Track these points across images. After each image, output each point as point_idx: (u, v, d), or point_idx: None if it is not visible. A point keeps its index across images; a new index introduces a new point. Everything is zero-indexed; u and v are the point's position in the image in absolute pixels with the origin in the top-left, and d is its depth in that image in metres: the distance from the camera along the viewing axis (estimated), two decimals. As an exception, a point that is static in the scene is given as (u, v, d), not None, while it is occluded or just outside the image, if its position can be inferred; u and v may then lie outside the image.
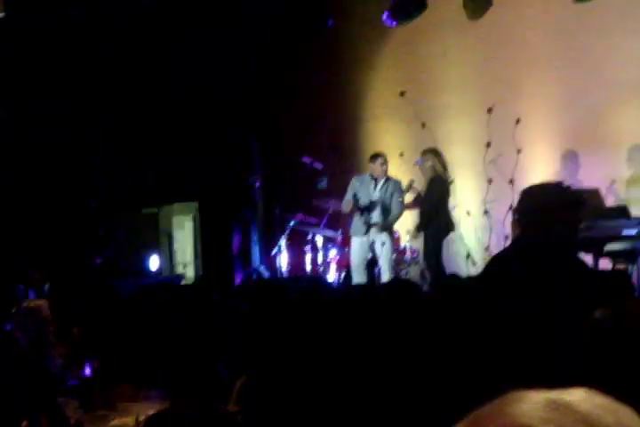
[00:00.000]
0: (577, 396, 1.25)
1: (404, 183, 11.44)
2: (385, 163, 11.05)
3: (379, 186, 10.94)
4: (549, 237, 3.62)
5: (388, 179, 11.03)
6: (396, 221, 11.19)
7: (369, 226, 10.84)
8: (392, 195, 10.93)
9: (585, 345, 3.12)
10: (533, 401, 1.24)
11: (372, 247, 10.89)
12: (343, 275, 11.73)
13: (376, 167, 10.96)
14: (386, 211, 10.88)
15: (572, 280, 3.51)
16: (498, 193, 11.88)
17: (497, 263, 3.68)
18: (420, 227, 11.17)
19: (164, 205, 13.75)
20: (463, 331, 3.44)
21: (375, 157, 11.15)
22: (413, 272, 11.65)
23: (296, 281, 10.66)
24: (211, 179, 13.50)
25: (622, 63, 11.83)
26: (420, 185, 11.46)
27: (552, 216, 3.63)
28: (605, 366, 3.07)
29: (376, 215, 10.90)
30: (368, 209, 10.85)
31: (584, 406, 1.23)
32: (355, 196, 10.92)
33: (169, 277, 12.90)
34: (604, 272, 7.67)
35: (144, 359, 5.74)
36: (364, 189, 10.93)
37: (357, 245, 10.91)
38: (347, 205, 11.04)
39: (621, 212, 10.40)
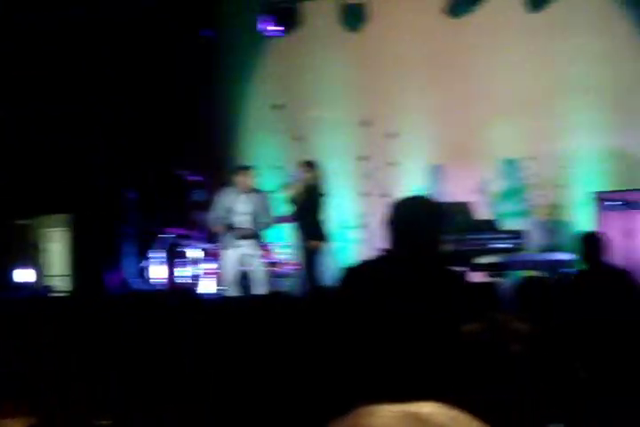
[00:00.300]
0: (431, 409, 1.27)
1: (280, 186, 11.47)
2: (252, 175, 10.96)
3: (246, 198, 10.84)
4: (414, 248, 3.67)
5: (255, 191, 10.94)
6: (265, 233, 11.14)
7: (239, 239, 10.77)
8: (260, 207, 10.85)
9: (459, 357, 3.17)
10: (389, 414, 1.25)
11: (244, 260, 10.82)
12: (219, 287, 11.67)
13: (242, 180, 10.85)
14: (255, 223, 10.81)
15: (439, 291, 3.56)
16: (372, 206, 11.99)
17: (358, 274, 3.72)
18: (299, 239, 11.18)
19: (36, 217, 13.48)
20: (329, 340, 3.47)
21: (241, 169, 11.07)
22: (289, 284, 11.65)
23: (170, 294, 10.56)
24: (85, 190, 13.29)
25: (495, 78, 12.13)
26: (296, 197, 11.46)
27: (415, 227, 3.69)
28: (477, 377, 3.12)
29: (246, 229, 10.82)
30: (237, 223, 10.77)
31: (440, 418, 1.25)
32: (223, 210, 10.83)
33: (37, 290, 12.63)
34: (473, 285, 7.80)
35: (16, 374, 5.61)
36: (231, 202, 10.83)
37: (229, 259, 10.83)
38: (214, 222, 10.93)
39: (491, 225, 10.61)
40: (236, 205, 10.80)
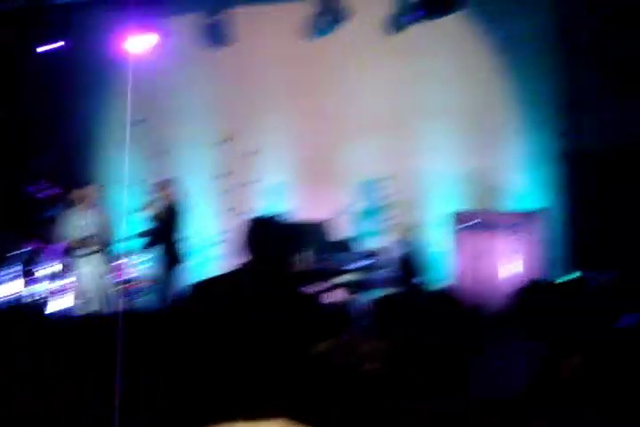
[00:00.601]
0: (277, 426, 1.26)
1: (139, 204, 11.35)
2: (93, 191, 10.80)
3: (89, 215, 10.69)
4: (265, 266, 3.68)
5: (98, 207, 10.80)
6: (117, 249, 10.99)
7: (86, 255, 10.61)
8: (103, 223, 10.71)
9: (311, 374, 3.17)
10: None
11: (95, 277, 10.66)
12: (74, 303, 11.47)
13: (84, 196, 10.70)
14: (99, 239, 10.67)
15: (290, 309, 3.57)
16: (232, 223, 11.96)
17: (206, 289, 3.71)
18: (156, 255, 11.08)
19: None
20: (181, 356, 3.44)
21: (83, 185, 10.90)
22: (147, 301, 11.53)
23: (22, 310, 10.32)
24: None
25: (354, 98, 12.27)
26: (155, 214, 11.34)
27: (267, 245, 3.70)
28: (330, 394, 3.12)
29: (93, 245, 10.67)
30: (82, 239, 10.61)
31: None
32: (70, 226, 10.67)
33: None
34: (328, 304, 7.84)
35: None
36: (75, 219, 10.69)
37: (82, 276, 10.67)
38: (62, 239, 10.76)
39: (350, 244, 10.70)
40: (80, 222, 10.65)
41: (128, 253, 11.85)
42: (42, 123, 13.42)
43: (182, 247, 11.05)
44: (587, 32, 11.41)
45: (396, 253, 11.35)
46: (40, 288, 11.92)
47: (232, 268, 3.83)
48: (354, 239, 10.97)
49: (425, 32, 11.98)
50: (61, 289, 11.73)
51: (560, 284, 10.01)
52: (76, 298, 11.14)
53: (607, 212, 10.74)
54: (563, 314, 5.43)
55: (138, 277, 11.77)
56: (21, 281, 12.19)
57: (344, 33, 12.16)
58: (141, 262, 11.91)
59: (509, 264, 10.56)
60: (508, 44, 11.78)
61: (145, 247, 11.57)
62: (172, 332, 4.16)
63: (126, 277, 11.51)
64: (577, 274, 10.26)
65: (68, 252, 10.84)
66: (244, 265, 3.70)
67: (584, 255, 10.66)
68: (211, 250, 12.56)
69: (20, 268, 12.19)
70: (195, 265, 11.95)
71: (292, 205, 12.16)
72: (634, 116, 10.95)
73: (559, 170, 11.44)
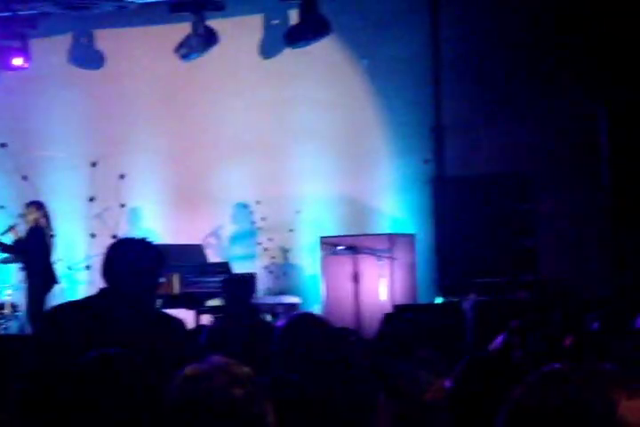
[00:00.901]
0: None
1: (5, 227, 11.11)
2: None
3: None
4: (126, 289, 3.64)
5: None
6: None
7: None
8: None
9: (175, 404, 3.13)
10: None
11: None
12: None
13: None
14: None
15: (151, 333, 3.53)
16: (101, 247, 11.75)
17: (61, 314, 3.65)
18: (21, 280, 10.87)
19: None
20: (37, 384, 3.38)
21: None
22: (13, 327, 11.28)
23: None
24: None
25: (225, 122, 12.28)
26: (22, 238, 11.09)
27: (129, 269, 3.67)
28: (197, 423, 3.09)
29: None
30: None
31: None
32: None
33: None
34: (197, 328, 7.78)
35: None
36: None
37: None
38: None
39: (223, 267, 10.67)
40: None
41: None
42: None
43: (51, 272, 10.87)
44: (451, 62, 11.67)
45: (268, 277, 11.39)
46: None
47: (94, 292, 3.78)
48: (227, 263, 10.95)
49: (297, 57, 12.08)
50: None
51: (426, 307, 10.18)
52: None
53: (467, 236, 10.92)
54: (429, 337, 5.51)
55: (5, 302, 11.52)
56: None
57: (216, 56, 12.16)
58: (9, 287, 11.66)
59: (377, 288, 10.66)
60: (378, 70, 11.95)
61: (13, 272, 11.35)
62: (29, 359, 4.07)
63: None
64: (442, 299, 10.44)
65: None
66: (107, 289, 3.65)
67: (449, 280, 10.83)
68: (77, 275, 12.37)
69: None
70: (61, 290, 11.74)
71: (162, 229, 12.07)
72: (493, 143, 11.22)
73: (426, 195, 11.60)
